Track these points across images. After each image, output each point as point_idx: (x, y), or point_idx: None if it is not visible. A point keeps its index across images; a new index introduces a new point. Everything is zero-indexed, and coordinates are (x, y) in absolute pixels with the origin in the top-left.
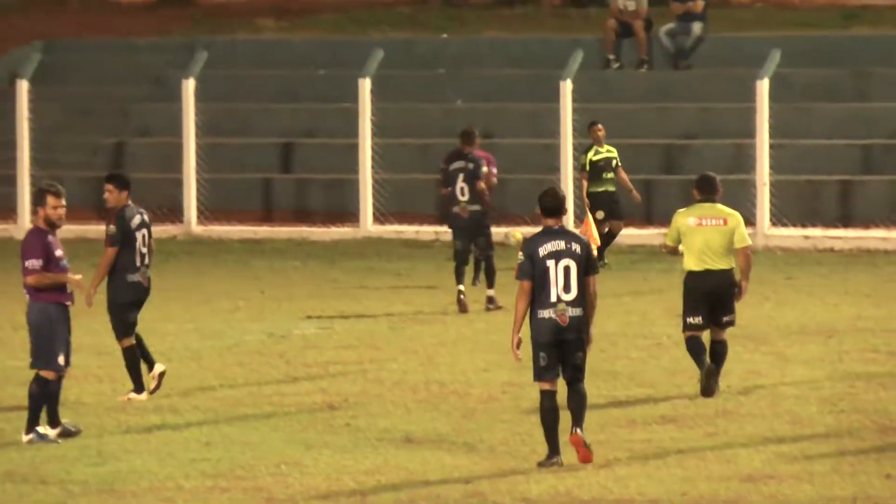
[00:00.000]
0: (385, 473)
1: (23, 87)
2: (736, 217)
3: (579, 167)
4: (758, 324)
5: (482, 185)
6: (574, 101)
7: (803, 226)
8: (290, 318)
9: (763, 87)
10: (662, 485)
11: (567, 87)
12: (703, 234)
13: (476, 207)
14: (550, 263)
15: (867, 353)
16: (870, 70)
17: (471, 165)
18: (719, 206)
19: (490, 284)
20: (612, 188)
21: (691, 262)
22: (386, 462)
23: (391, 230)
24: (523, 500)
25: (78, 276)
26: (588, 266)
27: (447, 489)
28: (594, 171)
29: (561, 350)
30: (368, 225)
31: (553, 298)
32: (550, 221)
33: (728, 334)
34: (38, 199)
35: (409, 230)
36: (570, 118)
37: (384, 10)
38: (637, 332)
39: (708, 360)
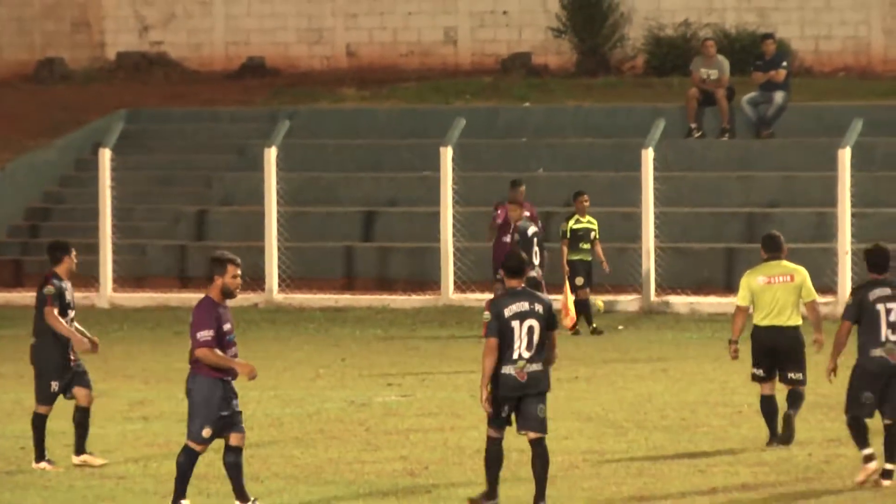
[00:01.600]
0: None
1: (106, 155)
2: (802, 272)
3: (560, 235)
4: (839, 393)
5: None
6: (656, 169)
7: None
8: (370, 386)
9: (845, 155)
10: None
11: (649, 155)
12: (773, 291)
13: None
14: (515, 324)
15: None
16: None
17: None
18: (785, 262)
19: None
20: (587, 258)
21: (759, 318)
22: None
23: (472, 298)
24: None
25: (249, 366)
26: (549, 323)
27: None
28: (573, 240)
29: (521, 403)
30: (450, 293)
31: (515, 356)
32: (514, 283)
33: (809, 404)
34: (217, 268)
35: (489, 298)
36: (652, 186)
37: (466, 80)
38: (718, 400)
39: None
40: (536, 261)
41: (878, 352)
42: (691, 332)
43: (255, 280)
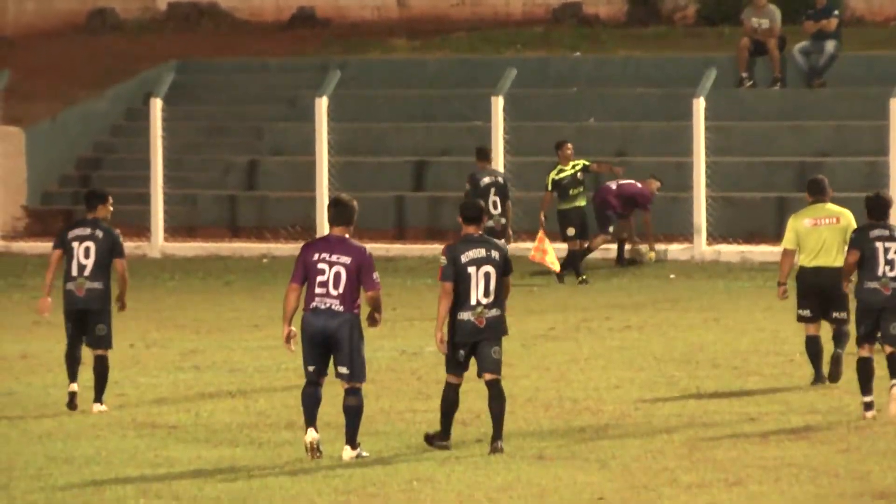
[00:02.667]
0: (517, 489)
1: (157, 105)
2: (847, 215)
3: (544, 186)
4: None
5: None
6: (707, 119)
7: None
8: (422, 336)
9: None
10: (795, 502)
11: (700, 105)
12: (818, 233)
13: (504, 220)
14: (472, 270)
15: None
16: None
17: (501, 180)
18: (830, 205)
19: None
20: (580, 204)
21: (805, 259)
22: (518, 478)
23: (524, 247)
24: None
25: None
26: (505, 270)
27: None
28: (560, 190)
29: (477, 347)
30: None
31: (473, 302)
32: (471, 229)
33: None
34: (348, 214)
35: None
36: (703, 136)
37: (517, 29)
38: (769, 349)
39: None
40: (496, 211)
41: (873, 284)
42: (742, 282)
43: (305, 230)
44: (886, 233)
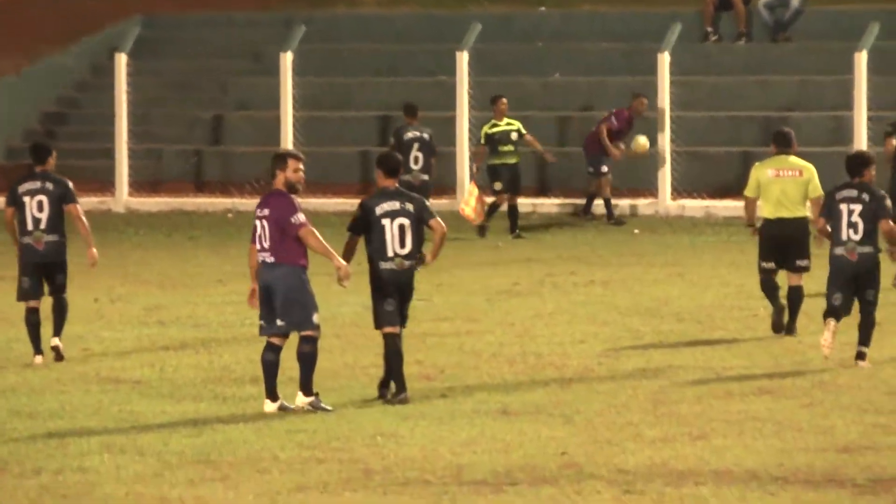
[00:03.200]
0: (481, 444)
1: (121, 60)
2: (810, 169)
3: (476, 140)
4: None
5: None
6: (672, 73)
7: None
8: None
9: (862, 59)
10: (759, 456)
11: (665, 59)
12: (781, 184)
13: (426, 177)
14: (386, 222)
15: None
16: None
17: (426, 136)
18: (793, 158)
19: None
20: (510, 161)
21: (768, 211)
22: (482, 433)
23: (488, 202)
24: (619, 471)
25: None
26: (421, 219)
27: (543, 460)
28: (491, 145)
29: (400, 297)
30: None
31: (390, 254)
32: (387, 182)
33: (823, 306)
34: (278, 163)
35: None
36: (668, 91)
37: None
38: (733, 304)
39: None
40: (416, 166)
41: (839, 250)
42: (707, 236)
43: (269, 185)
44: (854, 193)
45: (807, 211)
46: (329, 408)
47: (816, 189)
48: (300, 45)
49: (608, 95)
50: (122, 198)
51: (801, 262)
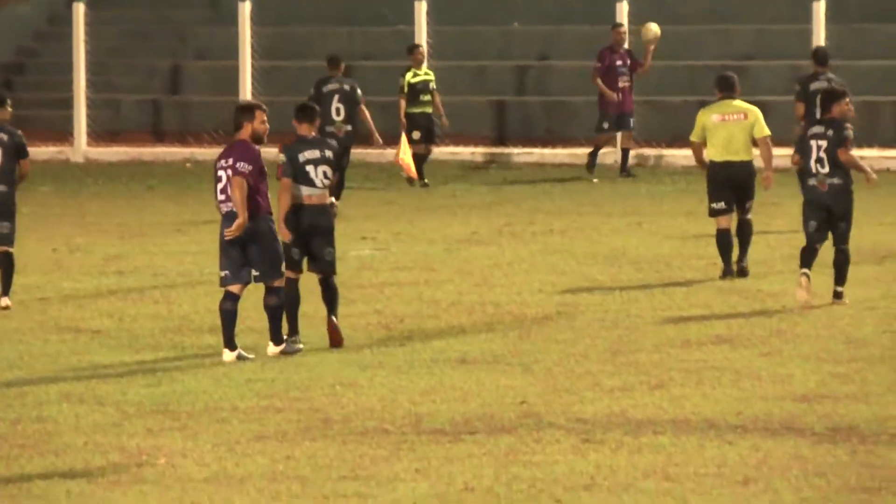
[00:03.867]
0: (440, 393)
1: (79, 10)
2: (755, 111)
3: (398, 89)
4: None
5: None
6: (630, 23)
7: (859, 146)
8: (346, 240)
9: (820, 8)
10: (717, 405)
11: (623, 8)
12: (727, 128)
13: (349, 127)
14: (310, 168)
15: None
16: None
17: (346, 87)
18: (738, 102)
19: (337, 196)
20: (428, 110)
21: (715, 154)
22: (441, 382)
23: (447, 152)
24: (577, 420)
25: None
26: (339, 165)
27: (502, 409)
28: (412, 93)
29: (310, 246)
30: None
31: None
32: (304, 130)
33: (783, 255)
34: (245, 115)
35: (464, 152)
36: (627, 40)
37: None
38: (692, 253)
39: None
40: (339, 117)
41: (811, 181)
42: (665, 186)
43: (228, 135)
44: (821, 129)
45: (752, 154)
46: (300, 346)
47: (763, 129)
48: None
49: (566, 45)
50: (81, 147)
51: (748, 203)
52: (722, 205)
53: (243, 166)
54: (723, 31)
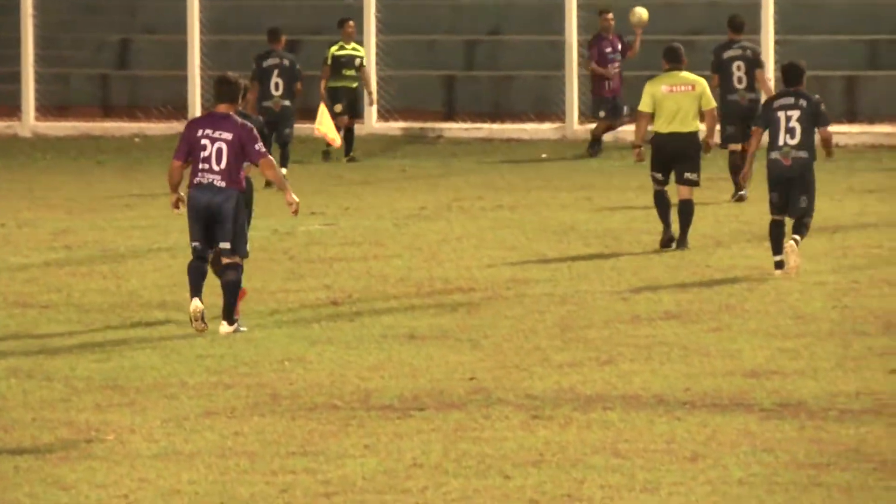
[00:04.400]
0: (389, 369)
1: None
2: (702, 83)
3: (323, 61)
4: (762, 220)
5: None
6: None
7: None
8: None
9: None
10: (666, 380)
11: None
12: (675, 99)
13: (287, 102)
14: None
15: (871, 248)
16: None
17: (286, 62)
18: (685, 73)
19: (284, 165)
20: (352, 84)
21: (661, 125)
22: (390, 358)
23: (396, 127)
24: (527, 396)
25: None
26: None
27: (451, 385)
28: (336, 66)
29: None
30: (373, 122)
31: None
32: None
33: (731, 230)
34: (239, 89)
35: (413, 126)
36: (576, 15)
37: None
38: (641, 228)
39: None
40: (277, 92)
41: (774, 154)
42: (614, 161)
43: (177, 109)
44: (791, 101)
45: (698, 125)
46: (245, 328)
47: (710, 101)
48: None
49: (517, 18)
50: (29, 122)
51: (689, 175)
52: (660, 175)
53: (260, 146)
54: (673, 6)
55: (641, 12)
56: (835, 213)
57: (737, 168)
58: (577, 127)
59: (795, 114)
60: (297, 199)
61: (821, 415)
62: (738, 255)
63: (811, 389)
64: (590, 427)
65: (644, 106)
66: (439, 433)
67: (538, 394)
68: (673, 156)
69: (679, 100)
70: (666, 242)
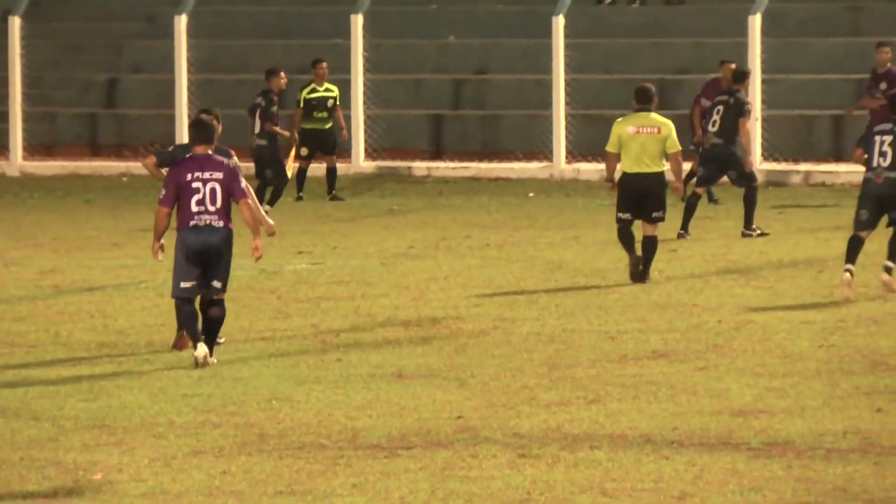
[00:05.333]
0: (376, 408)
1: (15, 23)
2: (668, 126)
3: (295, 103)
4: (749, 258)
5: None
6: (567, 36)
7: (795, 161)
8: (282, 254)
9: (756, 21)
10: (654, 419)
11: (560, 22)
12: (640, 140)
13: (262, 142)
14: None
15: (858, 287)
16: (862, 4)
17: (256, 101)
18: (654, 115)
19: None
20: (324, 126)
21: (627, 165)
22: (377, 397)
23: (384, 166)
24: (514, 434)
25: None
26: (236, 188)
27: (438, 424)
28: (307, 109)
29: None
30: (360, 161)
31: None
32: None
33: (718, 269)
34: (212, 128)
35: (401, 165)
36: (563, 54)
37: None
38: (628, 267)
39: (639, 252)
40: (255, 131)
41: (868, 174)
42: (601, 199)
43: (164, 148)
44: (888, 127)
45: (664, 166)
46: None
47: (674, 145)
48: (195, 7)
49: (503, 58)
50: (17, 161)
51: (656, 214)
52: (628, 215)
53: (243, 184)
54: (659, 45)
55: None
56: (822, 252)
57: (691, 208)
58: (565, 166)
59: (889, 139)
60: (262, 247)
61: (808, 454)
62: (725, 294)
63: (798, 428)
64: (577, 466)
65: (610, 146)
66: (427, 472)
67: (525, 433)
68: (640, 195)
69: (644, 141)
70: (635, 267)
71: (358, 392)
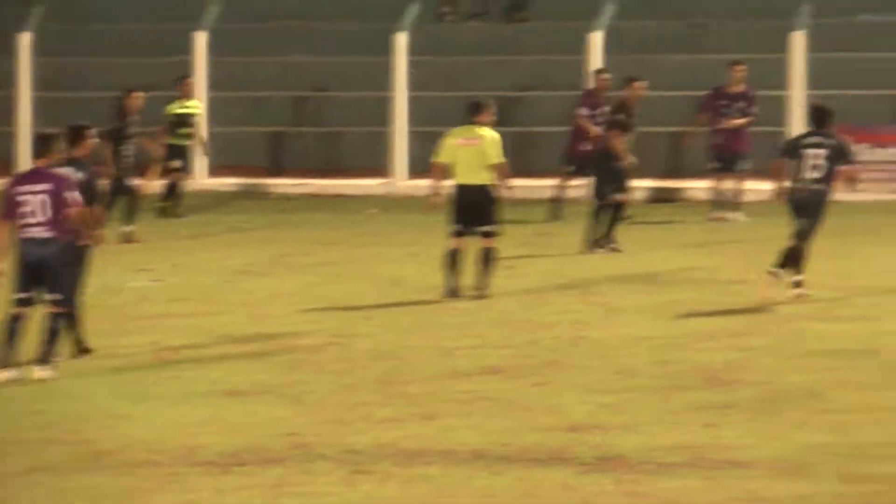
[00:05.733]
0: (213, 425)
1: None
2: (487, 138)
3: (163, 118)
4: (586, 273)
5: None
6: (410, 54)
7: (663, 177)
8: (123, 271)
9: (597, 39)
10: (487, 435)
11: (402, 40)
12: (464, 152)
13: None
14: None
15: (696, 304)
16: (704, 22)
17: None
18: (477, 128)
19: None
20: (186, 142)
21: (458, 177)
22: (213, 414)
23: (227, 182)
24: (348, 451)
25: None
26: (66, 197)
27: (272, 441)
28: (175, 124)
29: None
30: (204, 178)
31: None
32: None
33: (556, 285)
34: (55, 141)
35: (244, 182)
36: (405, 71)
37: None
38: (466, 283)
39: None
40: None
41: (798, 185)
42: (440, 215)
43: (3, 164)
44: (818, 140)
45: (489, 179)
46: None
47: (492, 157)
48: (40, 24)
49: (345, 75)
50: None
51: (485, 228)
52: (460, 227)
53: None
54: (501, 62)
55: None
56: (660, 267)
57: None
58: (404, 183)
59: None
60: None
61: (638, 468)
62: (561, 310)
63: (631, 443)
64: (411, 482)
65: (436, 156)
66: (260, 489)
67: (360, 449)
68: (469, 207)
69: (466, 153)
70: (449, 294)
71: (195, 409)
